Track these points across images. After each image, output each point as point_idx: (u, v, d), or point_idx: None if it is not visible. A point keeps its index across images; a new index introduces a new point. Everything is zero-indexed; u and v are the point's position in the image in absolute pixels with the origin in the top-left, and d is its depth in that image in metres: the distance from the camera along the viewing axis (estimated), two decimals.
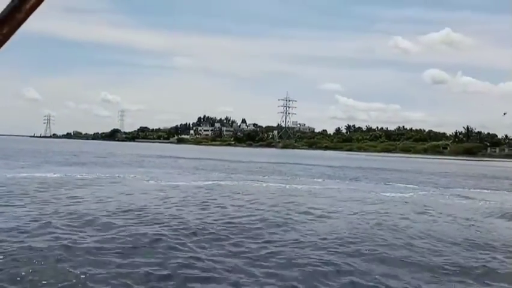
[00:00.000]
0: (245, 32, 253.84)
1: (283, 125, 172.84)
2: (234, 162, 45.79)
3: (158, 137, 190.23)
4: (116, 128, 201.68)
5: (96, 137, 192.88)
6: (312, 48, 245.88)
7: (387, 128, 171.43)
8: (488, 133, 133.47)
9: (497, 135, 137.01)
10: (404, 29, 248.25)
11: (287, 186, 21.85)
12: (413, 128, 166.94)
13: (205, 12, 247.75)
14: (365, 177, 31.01)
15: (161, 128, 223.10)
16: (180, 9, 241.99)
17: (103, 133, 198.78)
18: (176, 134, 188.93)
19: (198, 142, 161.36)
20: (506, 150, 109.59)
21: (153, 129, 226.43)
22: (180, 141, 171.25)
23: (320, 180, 26.74)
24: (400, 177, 31.54)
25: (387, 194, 19.71)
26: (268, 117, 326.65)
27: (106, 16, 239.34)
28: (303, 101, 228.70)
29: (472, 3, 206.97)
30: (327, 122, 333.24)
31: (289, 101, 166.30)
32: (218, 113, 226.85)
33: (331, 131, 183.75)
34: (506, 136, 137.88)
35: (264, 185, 22.15)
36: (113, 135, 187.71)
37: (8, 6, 0.57)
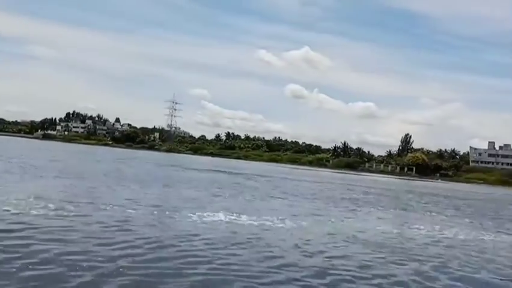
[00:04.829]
0: (112, 27, 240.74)
1: (166, 128, 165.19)
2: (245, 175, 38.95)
3: (19, 131, 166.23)
4: None
5: None
6: (181, 53, 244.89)
7: (263, 138, 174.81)
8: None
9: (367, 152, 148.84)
10: (268, 44, 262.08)
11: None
12: (294, 141, 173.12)
13: (71, 4, 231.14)
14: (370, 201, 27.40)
15: (18, 120, 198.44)
16: None
17: None
18: (42, 128, 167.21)
19: (68, 140, 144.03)
20: (382, 166, 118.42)
21: (10, 121, 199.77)
22: (46, 137, 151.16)
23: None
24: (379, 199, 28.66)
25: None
26: (140, 118, 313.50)
27: None
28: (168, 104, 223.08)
29: (333, 28, 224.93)
30: (195, 126, 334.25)
31: (175, 103, 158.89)
32: (79, 109, 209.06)
33: (197, 135, 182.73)
34: (368, 152, 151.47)
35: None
36: None
37: None
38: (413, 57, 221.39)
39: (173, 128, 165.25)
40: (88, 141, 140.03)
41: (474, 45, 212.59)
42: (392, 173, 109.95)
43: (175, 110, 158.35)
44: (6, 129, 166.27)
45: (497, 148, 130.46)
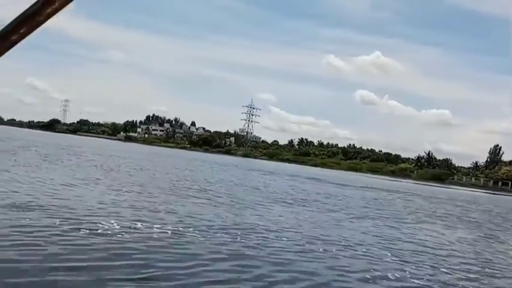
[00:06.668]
0: (181, 33, 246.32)
1: (239, 132, 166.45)
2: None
3: (102, 132, 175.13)
4: (55, 118, 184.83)
5: (32, 125, 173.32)
6: (246, 57, 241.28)
7: (337, 144, 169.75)
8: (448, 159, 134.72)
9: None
10: (337, 48, 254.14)
11: None
12: (364, 148, 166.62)
13: (142, 10, 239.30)
14: None
15: (101, 122, 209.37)
16: (119, 3, 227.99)
17: (39, 122, 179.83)
18: (124, 130, 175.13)
19: (149, 142, 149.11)
20: (473, 179, 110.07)
21: (93, 122, 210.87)
22: (128, 139, 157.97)
23: None
24: None
25: None
26: (210, 121, 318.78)
27: None
28: (238, 109, 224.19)
29: (404, 32, 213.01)
30: (261, 131, 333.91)
31: (253, 108, 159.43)
32: (153, 111, 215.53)
33: (265, 140, 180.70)
34: (451, 163, 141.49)
35: None
36: (53, 126, 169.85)
37: (30, 7, 0.60)
38: (489, 62, 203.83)
39: (246, 133, 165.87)
40: (167, 144, 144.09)
41: None
42: (484, 187, 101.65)
43: (252, 115, 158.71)
44: (92, 130, 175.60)
45: None
